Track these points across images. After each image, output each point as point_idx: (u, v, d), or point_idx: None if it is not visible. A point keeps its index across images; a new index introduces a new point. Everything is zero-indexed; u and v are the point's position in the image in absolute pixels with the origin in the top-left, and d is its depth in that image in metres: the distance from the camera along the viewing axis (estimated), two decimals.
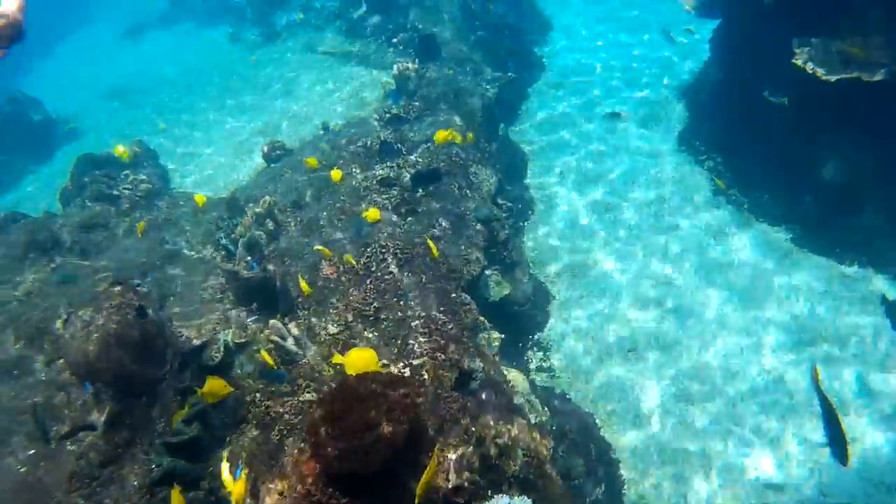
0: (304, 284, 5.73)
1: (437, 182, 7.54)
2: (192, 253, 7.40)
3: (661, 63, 11.59)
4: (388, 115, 9.02)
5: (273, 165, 8.94)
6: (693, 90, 10.52)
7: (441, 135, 7.52)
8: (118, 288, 5.40)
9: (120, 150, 9.99)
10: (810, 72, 6.86)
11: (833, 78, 6.74)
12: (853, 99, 6.80)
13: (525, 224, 9.00)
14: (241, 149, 10.51)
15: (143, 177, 9.70)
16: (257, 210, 7.00)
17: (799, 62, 7.00)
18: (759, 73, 8.04)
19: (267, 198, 7.20)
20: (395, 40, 11.80)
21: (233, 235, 6.86)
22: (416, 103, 9.19)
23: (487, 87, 10.54)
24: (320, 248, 6.13)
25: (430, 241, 6.13)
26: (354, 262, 6.00)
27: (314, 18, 15.08)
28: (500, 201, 8.49)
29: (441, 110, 9.15)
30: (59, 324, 6.24)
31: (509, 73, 11.22)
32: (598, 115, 10.52)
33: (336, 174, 7.24)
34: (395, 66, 10.00)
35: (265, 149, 9.05)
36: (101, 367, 4.96)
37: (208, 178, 10.09)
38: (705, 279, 7.54)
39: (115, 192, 9.08)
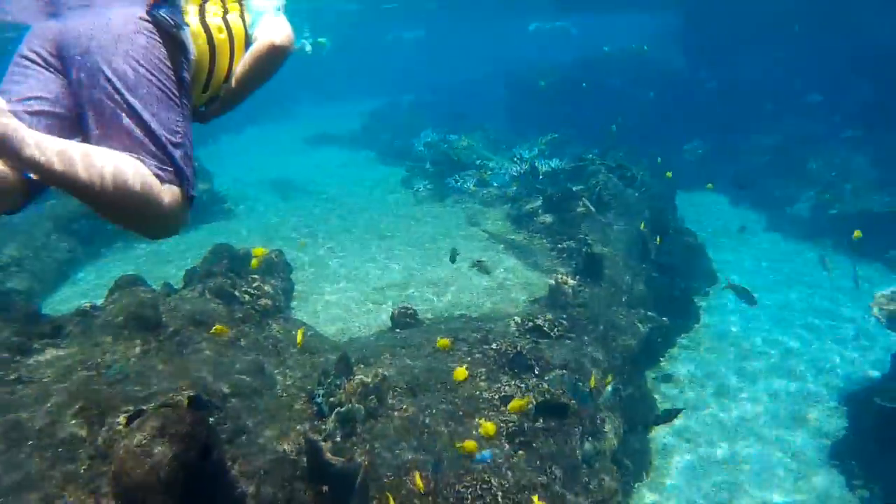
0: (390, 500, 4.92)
1: (561, 418, 6.69)
2: (283, 394, 6.76)
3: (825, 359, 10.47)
4: (529, 324, 8.36)
5: (398, 331, 8.37)
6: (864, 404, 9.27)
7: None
8: (190, 417, 4.77)
9: (258, 254, 9.83)
10: None
11: None
12: None
13: (635, 486, 7.91)
14: (371, 297, 10.06)
15: (269, 289, 9.38)
16: (366, 380, 6.35)
17: None
18: None
19: (380, 371, 6.55)
20: (560, 246, 11.36)
21: (332, 398, 6.20)
22: (564, 322, 8.50)
23: (639, 324, 9.80)
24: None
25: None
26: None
27: (486, 195, 15.05)
28: (618, 457, 7.51)
29: (586, 340, 8.42)
30: (122, 419, 5.66)
31: (664, 318, 10.47)
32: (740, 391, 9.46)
33: (461, 373, 6.56)
34: (553, 276, 9.46)
35: (395, 312, 8.53)
36: (137, 499, 4.29)
37: (330, 315, 9.62)
38: None
39: (237, 293, 8.75)
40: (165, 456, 4.43)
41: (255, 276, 9.65)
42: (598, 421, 7.06)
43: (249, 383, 6.73)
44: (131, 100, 2.49)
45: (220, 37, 3.03)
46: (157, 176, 2.45)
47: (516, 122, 23.20)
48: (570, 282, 9.28)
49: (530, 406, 6.55)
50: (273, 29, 3.25)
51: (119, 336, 7.09)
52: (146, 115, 2.51)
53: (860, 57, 18.62)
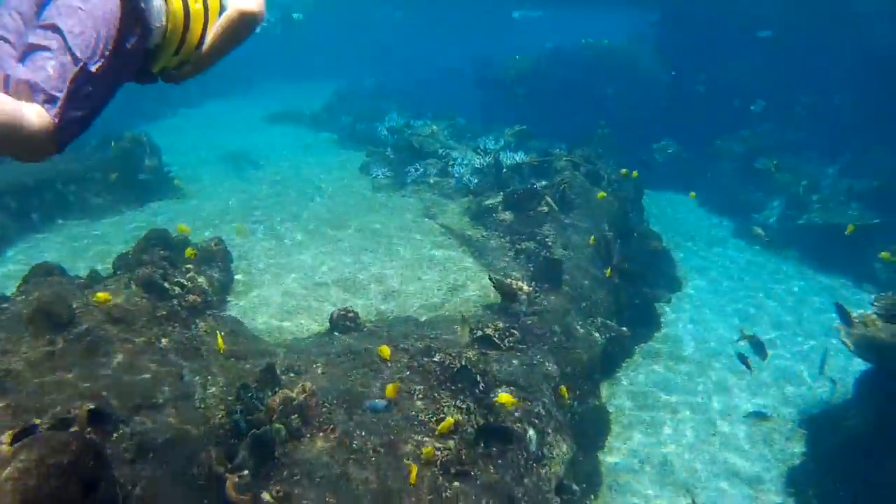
0: None
1: (504, 444, 6.17)
2: (201, 405, 6.14)
3: (790, 375, 10.06)
4: (479, 334, 7.81)
5: (336, 335, 7.76)
6: (825, 429, 8.88)
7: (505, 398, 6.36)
8: (76, 444, 4.16)
9: (190, 250, 9.17)
10: None
11: None
12: None
13: None
14: (315, 293, 9.43)
15: (203, 281, 8.72)
16: (291, 395, 5.74)
17: None
18: None
19: (308, 385, 5.95)
20: (519, 246, 10.80)
21: (251, 416, 5.58)
22: (516, 332, 7.97)
23: (597, 334, 9.32)
24: None
25: None
26: None
27: (445, 185, 14.44)
28: (565, 482, 7.00)
29: (539, 351, 7.90)
30: (6, 437, 4.98)
31: (623, 328, 10.01)
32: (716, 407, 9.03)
33: (391, 390, 6.02)
34: (506, 280, 8.92)
35: (335, 314, 7.91)
36: None
37: (267, 311, 8.98)
38: None
39: (167, 286, 8.06)
40: (44, 481, 3.87)
41: (190, 266, 8.97)
42: (546, 447, 6.53)
43: (163, 393, 6.10)
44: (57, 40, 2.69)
45: (196, 7, 3.23)
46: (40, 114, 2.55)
47: (485, 111, 22.58)
48: (526, 288, 8.74)
49: (470, 430, 6.01)
50: None
51: (23, 334, 6.41)
52: (60, 57, 2.67)
53: (838, 65, 18.32)
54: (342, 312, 7.91)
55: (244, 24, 3.41)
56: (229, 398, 6.14)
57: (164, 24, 3.09)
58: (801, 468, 8.15)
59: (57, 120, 2.60)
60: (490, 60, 24.26)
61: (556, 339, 8.28)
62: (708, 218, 16.86)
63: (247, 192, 14.46)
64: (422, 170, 15.03)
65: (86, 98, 2.75)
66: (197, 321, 7.55)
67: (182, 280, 8.43)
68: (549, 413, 7.00)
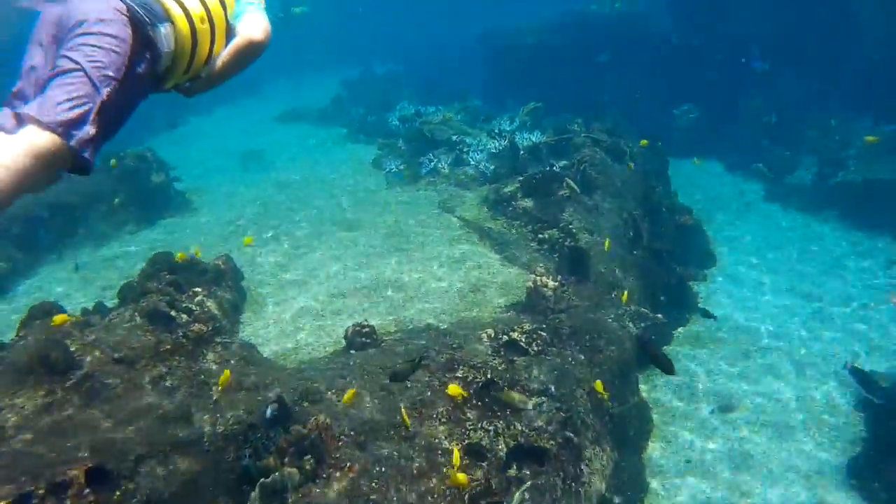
0: None
1: (538, 466, 5.70)
2: (210, 447, 5.73)
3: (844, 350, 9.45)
4: (503, 338, 7.31)
5: (353, 353, 7.32)
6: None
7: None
8: None
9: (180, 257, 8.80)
10: None
11: None
12: None
13: None
14: (330, 306, 8.99)
15: (212, 305, 8.34)
16: (303, 432, 5.31)
17: None
18: None
19: (321, 418, 5.51)
20: (542, 235, 10.26)
21: (260, 462, 5.17)
22: (544, 333, 7.46)
23: (631, 325, 8.79)
24: None
25: None
26: None
27: (461, 174, 13.90)
28: (607, 495, 6.52)
29: (570, 353, 7.39)
30: None
31: (658, 315, 9.46)
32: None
33: (406, 419, 5.56)
34: (531, 277, 8.41)
35: (350, 331, 7.46)
36: None
37: (280, 330, 8.57)
38: None
39: (173, 314, 7.68)
40: None
41: (198, 290, 8.59)
42: (584, 463, 6.04)
43: (170, 438, 5.70)
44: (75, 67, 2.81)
45: (202, 27, 3.42)
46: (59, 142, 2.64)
47: (497, 89, 21.84)
48: (551, 283, 8.22)
49: (502, 454, 5.55)
50: (253, 26, 3.70)
51: (20, 385, 6.05)
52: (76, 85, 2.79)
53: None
54: (357, 328, 7.46)
55: (252, 52, 3.75)
56: (240, 437, 5.73)
57: (172, 48, 3.27)
58: (863, 455, 7.57)
59: (76, 146, 2.69)
60: (497, 31, 23.24)
61: (587, 336, 7.75)
62: (737, 184, 16.09)
63: (257, 199, 14.05)
64: (435, 160, 14.51)
65: (103, 122, 2.84)
66: (205, 352, 7.14)
67: (190, 305, 8.07)
68: (586, 423, 6.51)
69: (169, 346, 6.86)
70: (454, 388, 6.04)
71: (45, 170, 2.62)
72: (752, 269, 11.87)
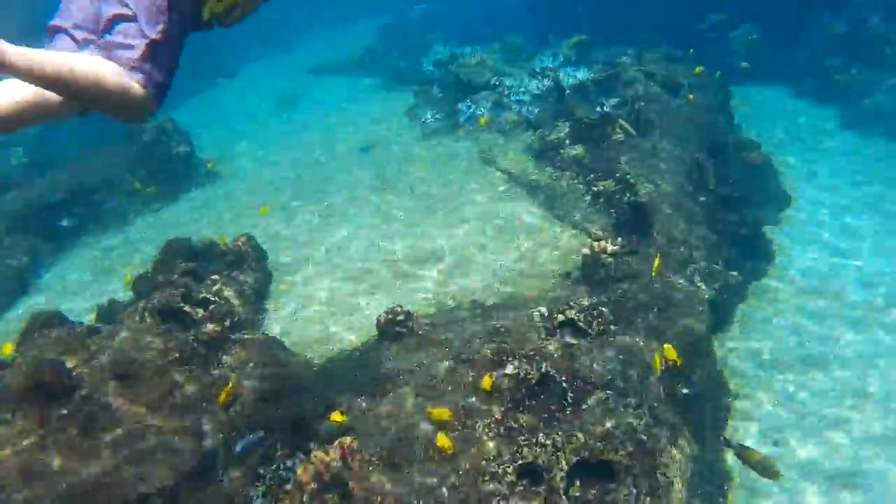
0: None
1: (607, 482, 4.78)
2: (223, 479, 4.95)
3: None
4: (560, 318, 6.34)
5: (386, 345, 6.43)
6: None
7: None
8: None
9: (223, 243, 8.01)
10: None
11: None
12: None
13: None
14: (362, 285, 8.12)
15: (230, 294, 7.55)
16: (326, 459, 4.47)
17: None
18: None
19: (348, 441, 4.66)
20: (596, 188, 9.14)
21: (277, 499, 4.35)
22: (604, 310, 6.45)
23: (702, 286, 7.73)
24: None
25: None
26: None
27: (502, 121, 12.73)
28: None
29: (635, 330, 6.39)
30: None
31: (732, 272, 8.36)
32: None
33: (444, 441, 4.65)
34: (587, 240, 7.37)
35: (383, 319, 6.55)
36: None
37: (308, 316, 7.74)
38: None
39: (187, 309, 6.91)
40: None
41: (216, 278, 7.81)
42: (660, 472, 5.09)
43: (178, 470, 4.92)
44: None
45: None
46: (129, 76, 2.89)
47: (538, 23, 20.35)
48: (610, 247, 7.16)
49: (562, 474, 4.63)
50: None
51: (12, 413, 5.34)
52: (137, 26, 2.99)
53: None
54: (390, 316, 6.54)
55: None
56: (250, 467, 4.93)
57: None
58: None
59: (147, 86, 2.93)
60: None
61: (654, 309, 6.72)
62: (808, 111, 14.48)
63: (287, 162, 13.18)
64: (473, 107, 13.36)
65: (162, 60, 3.02)
66: (220, 355, 6.34)
67: (208, 295, 7.30)
68: (660, 419, 5.54)
69: (178, 355, 6.07)
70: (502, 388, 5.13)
71: (128, 105, 2.92)
72: (834, 208, 10.54)
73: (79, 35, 3.06)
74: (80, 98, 2.80)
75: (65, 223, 11.13)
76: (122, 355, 5.96)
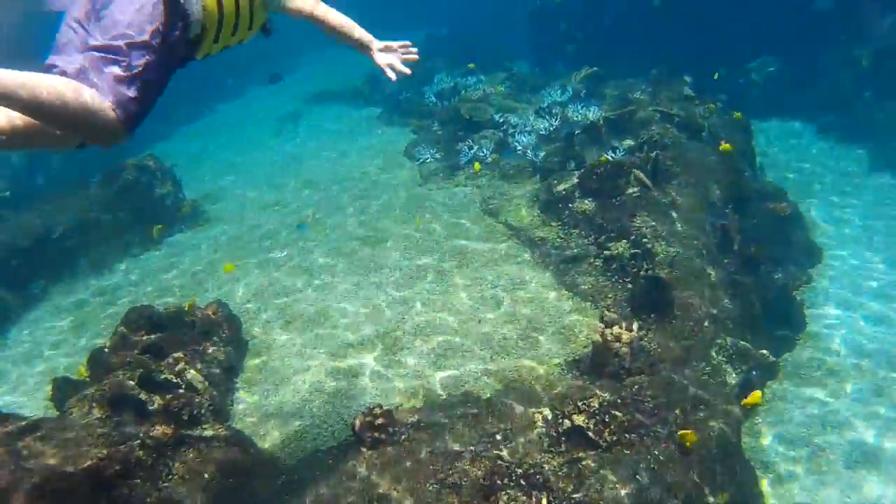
0: None
1: None
2: None
3: None
4: (565, 424, 5.43)
5: (363, 452, 5.51)
6: None
7: None
8: None
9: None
10: None
11: None
12: None
13: None
14: (344, 365, 7.21)
15: (194, 377, 6.66)
16: None
17: None
18: None
19: None
20: (608, 252, 8.24)
21: None
22: (618, 414, 5.54)
23: (730, 370, 6.84)
24: None
25: None
26: None
27: (505, 164, 11.84)
28: None
29: (655, 441, 5.47)
30: None
31: (763, 351, 7.45)
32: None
33: None
34: (599, 326, 6.47)
35: (358, 423, 5.62)
36: None
37: (282, 405, 6.84)
38: None
39: (142, 397, 6.07)
40: None
41: (179, 356, 6.94)
42: None
43: None
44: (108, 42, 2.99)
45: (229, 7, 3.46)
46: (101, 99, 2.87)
47: (544, 51, 19.61)
48: (625, 336, 6.24)
49: None
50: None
51: None
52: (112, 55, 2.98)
53: None
54: (368, 419, 5.63)
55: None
56: None
57: (202, 13, 3.31)
58: None
59: (116, 109, 2.88)
60: None
61: (676, 410, 5.80)
62: (833, 149, 13.57)
63: (275, 205, 12.31)
64: (475, 147, 12.49)
65: (142, 89, 2.99)
66: (171, 464, 5.44)
67: (170, 376, 6.51)
68: None
69: (117, 468, 5.16)
70: None
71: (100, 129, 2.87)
72: (869, 263, 9.61)
73: (70, 69, 3.02)
74: (40, 115, 2.74)
75: (36, 290, 10.28)
76: (57, 465, 5.08)
